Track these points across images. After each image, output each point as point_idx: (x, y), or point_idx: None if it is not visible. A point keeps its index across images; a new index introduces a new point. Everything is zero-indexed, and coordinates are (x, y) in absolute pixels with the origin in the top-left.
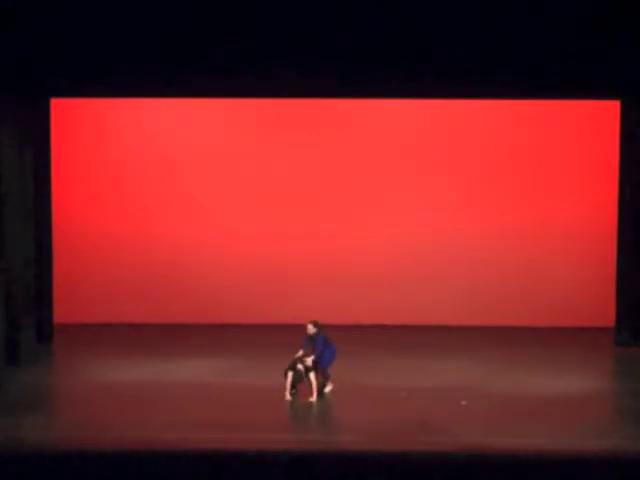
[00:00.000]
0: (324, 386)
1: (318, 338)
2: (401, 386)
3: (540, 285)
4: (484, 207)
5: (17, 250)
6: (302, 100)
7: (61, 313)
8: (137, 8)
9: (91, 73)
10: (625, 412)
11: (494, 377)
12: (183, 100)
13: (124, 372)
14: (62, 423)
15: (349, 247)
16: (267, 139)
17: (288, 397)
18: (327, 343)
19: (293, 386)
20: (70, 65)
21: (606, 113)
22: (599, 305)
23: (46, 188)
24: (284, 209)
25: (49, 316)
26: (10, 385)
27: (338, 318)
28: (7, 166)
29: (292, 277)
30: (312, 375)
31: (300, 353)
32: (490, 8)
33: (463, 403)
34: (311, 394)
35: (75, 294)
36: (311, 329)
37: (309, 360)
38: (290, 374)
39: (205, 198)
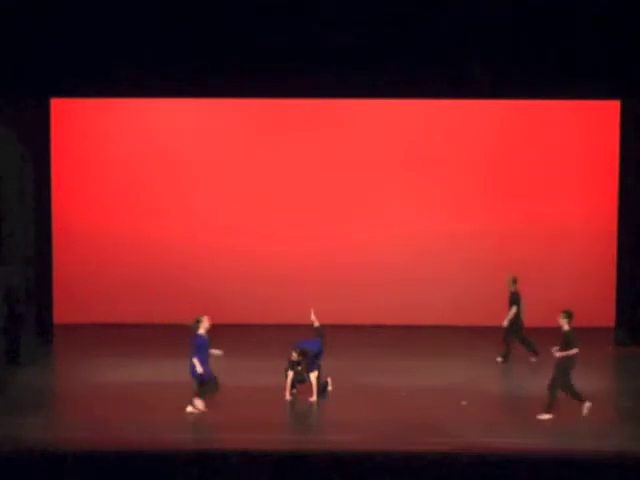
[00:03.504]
0: (324, 386)
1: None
2: (401, 386)
3: (540, 285)
4: (484, 207)
5: (17, 250)
6: (302, 100)
7: (61, 313)
8: (137, 8)
9: (91, 73)
10: (625, 412)
11: (494, 377)
12: (183, 100)
13: (124, 372)
14: (62, 423)
15: (349, 247)
16: (267, 139)
17: (288, 397)
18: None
19: (293, 386)
20: (70, 65)
21: (606, 113)
22: (599, 305)
23: (46, 188)
24: (284, 209)
25: (49, 316)
26: (10, 385)
27: (338, 318)
28: (7, 166)
29: (292, 277)
30: (312, 375)
31: (294, 356)
32: (490, 8)
33: (463, 403)
34: (311, 394)
35: (75, 294)
36: (295, 357)
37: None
38: (290, 374)
39: (205, 198)
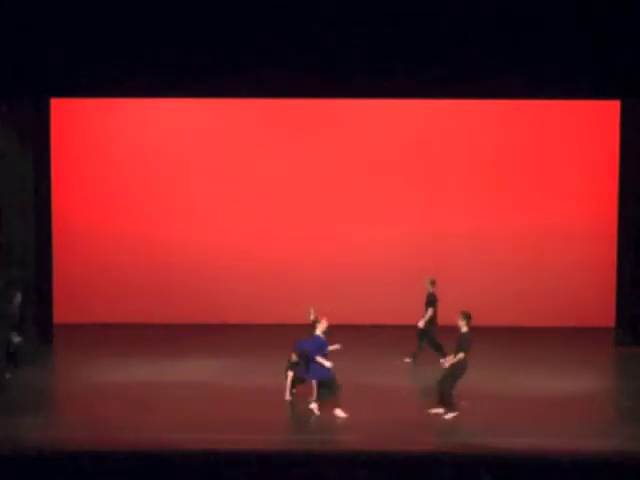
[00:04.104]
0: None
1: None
2: (401, 386)
3: (540, 285)
4: (484, 208)
5: (17, 250)
6: (302, 100)
7: (61, 313)
8: (137, 8)
9: (91, 73)
10: (625, 412)
11: (494, 377)
12: (183, 100)
13: (124, 372)
14: (62, 423)
15: (349, 247)
16: (267, 140)
17: (288, 397)
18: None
19: (293, 386)
20: (70, 65)
21: (606, 113)
22: (599, 305)
23: (46, 188)
24: (284, 209)
25: (49, 316)
26: (10, 385)
27: (338, 318)
28: (7, 167)
29: (292, 277)
30: None
31: (294, 357)
32: (490, 9)
33: (463, 403)
34: (311, 394)
35: (75, 294)
36: (294, 357)
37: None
38: (290, 374)
39: (205, 198)
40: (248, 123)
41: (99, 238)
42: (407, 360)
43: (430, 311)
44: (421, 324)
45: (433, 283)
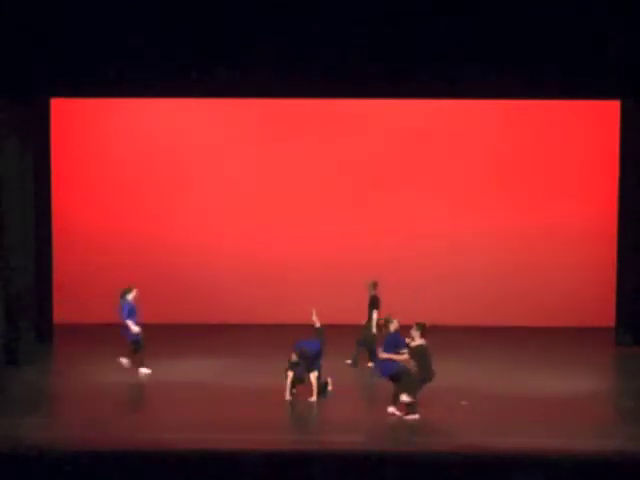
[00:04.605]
0: (324, 386)
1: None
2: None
3: (540, 285)
4: (485, 208)
5: (17, 250)
6: (302, 101)
7: (61, 313)
8: (137, 8)
9: (91, 73)
10: (626, 412)
11: (494, 377)
12: (183, 100)
13: (124, 372)
14: (62, 423)
15: (349, 247)
16: (267, 140)
17: (288, 397)
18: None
19: (293, 386)
20: (70, 65)
21: (606, 113)
22: (599, 305)
23: (46, 188)
24: (284, 210)
25: (49, 316)
26: (10, 385)
27: (338, 318)
28: (7, 167)
29: (292, 277)
30: (312, 375)
31: (293, 357)
32: (490, 9)
33: (463, 403)
34: (311, 394)
35: (75, 294)
36: (294, 357)
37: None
38: (290, 374)
39: (205, 198)
40: (248, 123)
41: (99, 238)
42: (348, 362)
43: (375, 314)
44: (375, 330)
45: (375, 285)
